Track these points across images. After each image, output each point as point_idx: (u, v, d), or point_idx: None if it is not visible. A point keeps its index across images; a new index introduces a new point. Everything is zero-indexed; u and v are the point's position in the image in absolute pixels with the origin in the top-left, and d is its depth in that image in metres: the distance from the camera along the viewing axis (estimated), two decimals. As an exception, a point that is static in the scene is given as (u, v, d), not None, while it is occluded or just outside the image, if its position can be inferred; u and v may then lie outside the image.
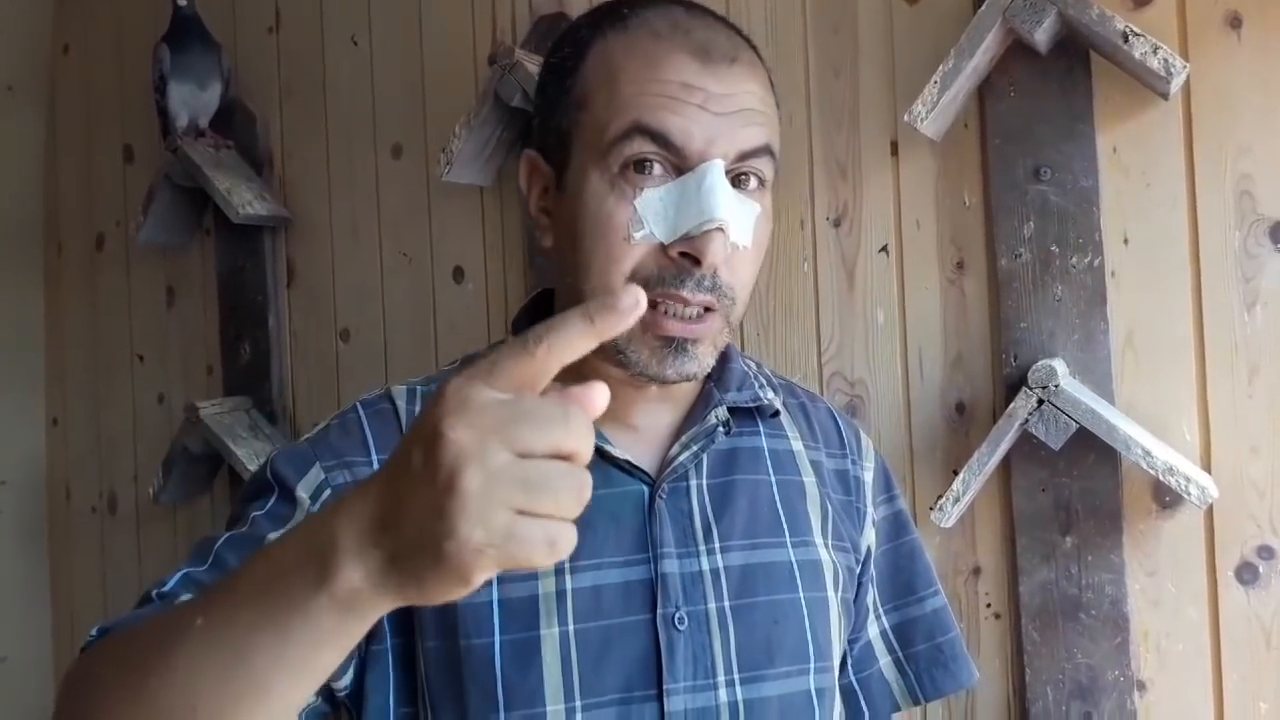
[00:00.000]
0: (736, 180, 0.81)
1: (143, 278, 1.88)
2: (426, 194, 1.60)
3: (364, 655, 0.80)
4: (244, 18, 1.76)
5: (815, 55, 1.36)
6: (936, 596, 1.01)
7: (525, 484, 0.48)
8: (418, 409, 0.87)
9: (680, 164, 0.79)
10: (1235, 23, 1.16)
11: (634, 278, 0.79)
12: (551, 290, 0.93)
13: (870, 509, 0.99)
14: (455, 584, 0.50)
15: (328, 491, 0.81)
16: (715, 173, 0.78)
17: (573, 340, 0.51)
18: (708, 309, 0.81)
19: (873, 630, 0.99)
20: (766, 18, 1.39)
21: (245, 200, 1.63)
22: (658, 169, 0.79)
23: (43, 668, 1.98)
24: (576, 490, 0.50)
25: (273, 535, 0.77)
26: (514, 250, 1.53)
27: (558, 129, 0.85)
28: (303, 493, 0.81)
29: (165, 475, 1.72)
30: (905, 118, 1.19)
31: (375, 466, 0.83)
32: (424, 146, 1.60)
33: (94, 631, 0.72)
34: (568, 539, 0.50)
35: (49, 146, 2.01)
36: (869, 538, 0.98)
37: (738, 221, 0.80)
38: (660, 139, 0.79)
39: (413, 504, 0.50)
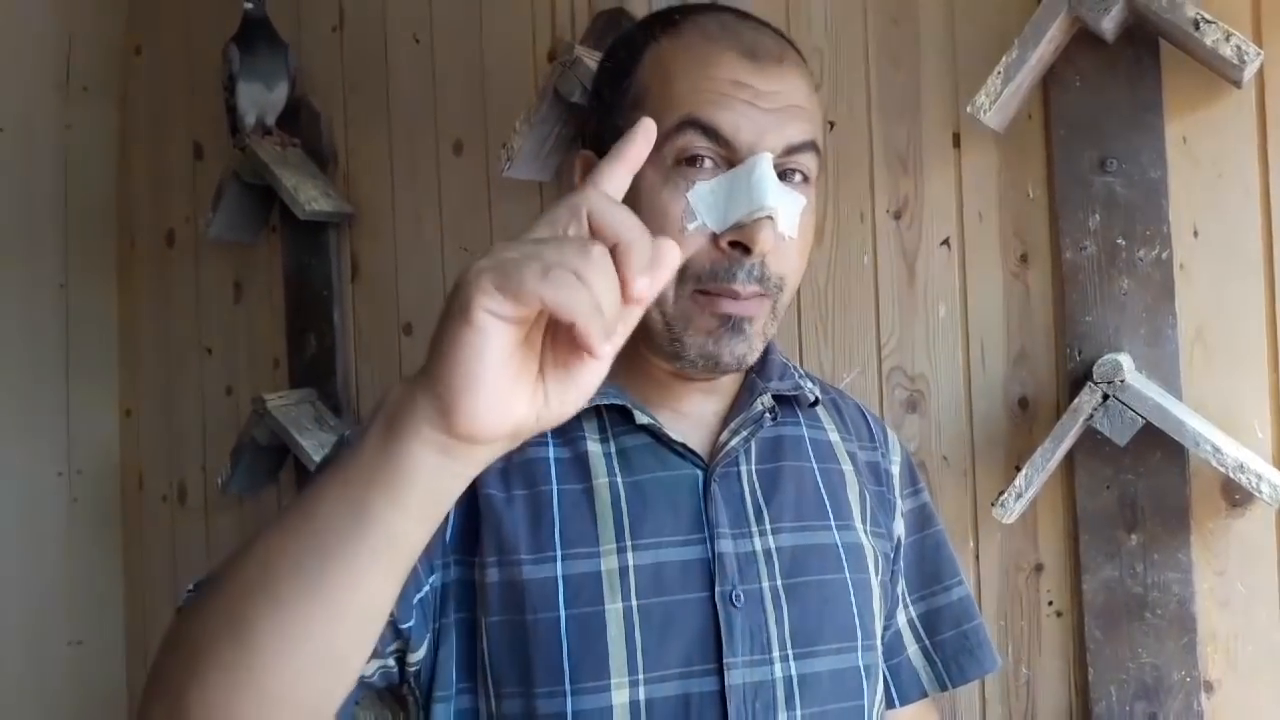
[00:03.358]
0: (783, 175, 0.84)
1: (211, 272, 1.93)
2: (487, 190, 1.62)
3: (438, 628, 0.82)
4: (309, 17, 1.79)
5: (875, 47, 1.35)
6: (961, 585, 1.02)
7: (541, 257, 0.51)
8: None
9: (730, 157, 0.82)
10: (1311, 8, 1.13)
11: (687, 269, 0.82)
12: None
13: (899, 500, 1.00)
14: (459, 316, 0.51)
15: None
16: (764, 164, 0.81)
17: (612, 173, 0.56)
18: (757, 295, 0.83)
19: (901, 619, 1.00)
20: (826, 10, 1.38)
21: (311, 197, 1.66)
22: (709, 163, 0.82)
23: (116, 653, 2.03)
24: (590, 255, 0.51)
25: None
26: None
27: (614, 128, 0.87)
28: None
29: (233, 466, 1.76)
30: (967, 109, 1.18)
31: None
32: (484, 143, 1.61)
33: (189, 587, 0.75)
34: (587, 299, 0.50)
35: (122, 144, 2.06)
36: (899, 528, 0.99)
37: (785, 212, 0.82)
38: (711, 133, 0.81)
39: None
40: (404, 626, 0.78)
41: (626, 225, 0.53)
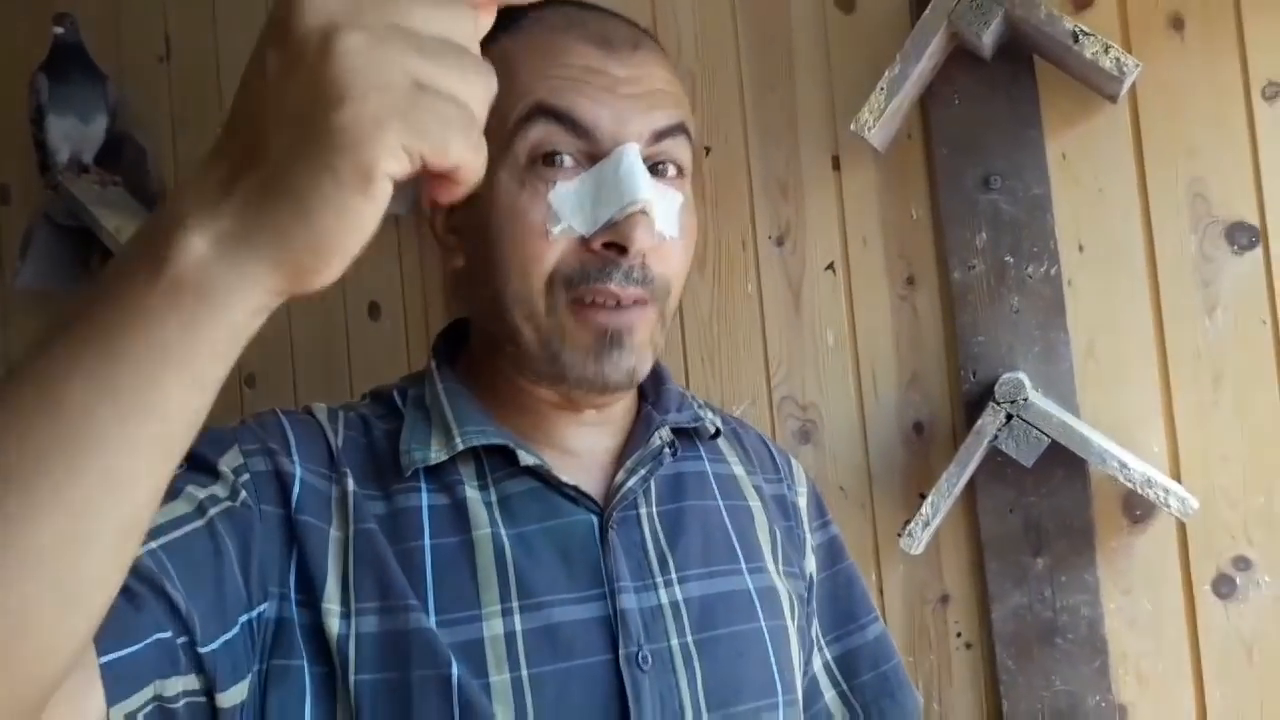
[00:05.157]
0: (654, 170, 0.76)
1: (24, 330, 1.72)
2: (337, 227, 1.49)
3: (264, 668, 0.68)
4: (131, 46, 1.64)
5: (749, 70, 1.31)
6: (876, 623, 0.96)
7: (420, 48, 0.39)
8: (341, 429, 0.78)
9: (592, 151, 0.74)
10: (1178, 24, 1.14)
11: (556, 276, 0.73)
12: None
13: (808, 535, 0.93)
14: (353, 182, 0.39)
15: (246, 475, 0.70)
16: (631, 154, 0.73)
17: None
18: (639, 302, 0.75)
19: (817, 663, 0.93)
20: (696, 32, 1.33)
21: (136, 240, 1.50)
22: (568, 160, 0.74)
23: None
24: (479, 72, 0.41)
25: (193, 489, 0.67)
26: (435, 283, 1.43)
27: None
28: (224, 467, 0.70)
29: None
30: (851, 127, 1.14)
31: (296, 463, 0.73)
32: (334, 176, 1.49)
33: None
34: (478, 135, 0.41)
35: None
36: (810, 565, 0.92)
37: (662, 209, 0.75)
38: (566, 120, 0.73)
39: (277, 105, 0.39)
40: (205, 650, 0.62)
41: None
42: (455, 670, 0.68)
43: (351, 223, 0.40)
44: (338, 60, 0.38)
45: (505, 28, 0.77)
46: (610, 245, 0.73)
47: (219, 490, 0.68)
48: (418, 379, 0.85)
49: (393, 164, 0.39)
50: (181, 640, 0.61)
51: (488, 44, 0.77)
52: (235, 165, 0.41)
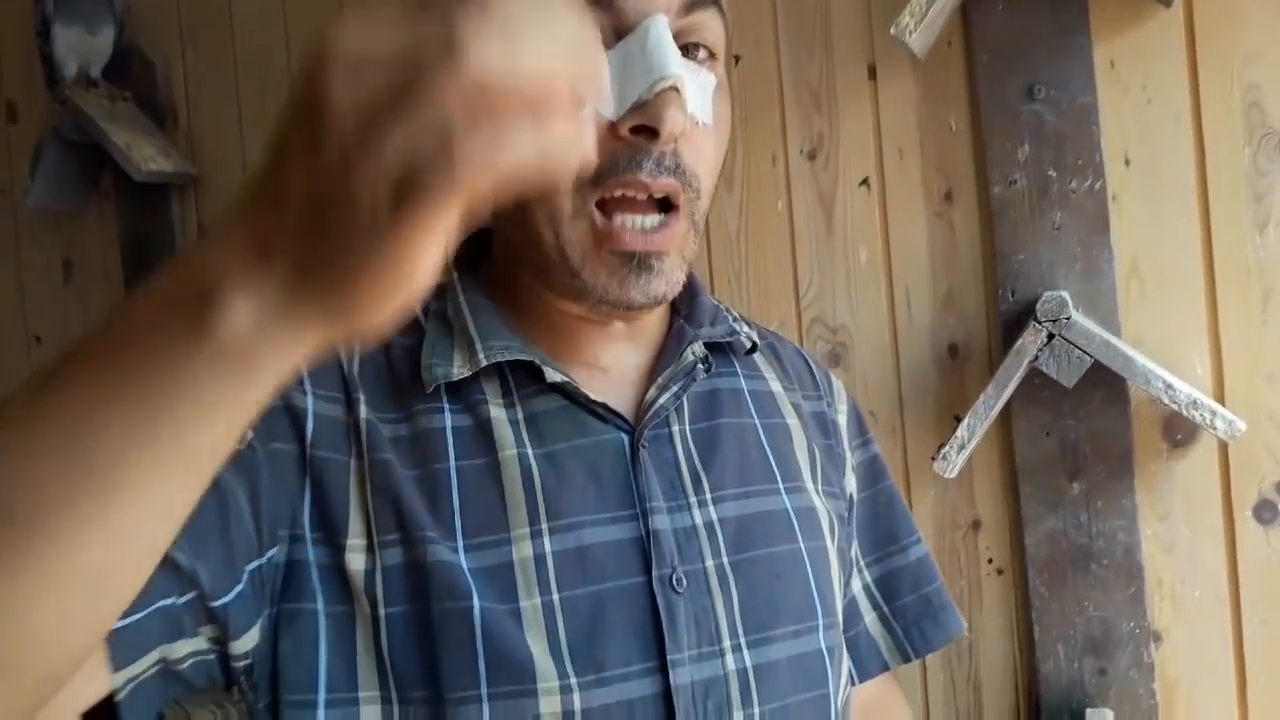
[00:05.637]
0: (685, 50, 0.69)
1: (35, 250, 1.69)
2: (353, 142, 1.45)
3: (275, 612, 0.65)
4: (137, -47, 1.58)
5: (782, -27, 1.25)
6: (919, 544, 0.92)
7: (463, 104, 0.36)
8: (356, 351, 0.74)
9: (617, 24, 0.67)
10: (1239, -79, 1.07)
11: (585, 172, 0.66)
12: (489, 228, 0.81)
13: (848, 454, 0.90)
14: (402, 253, 0.37)
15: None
16: (659, 27, 0.66)
17: None
18: (668, 206, 0.70)
19: (856, 585, 0.90)
20: (726, -66, 1.27)
21: (147, 156, 1.46)
22: None
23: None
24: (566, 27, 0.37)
25: None
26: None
27: None
28: None
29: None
30: (891, 31, 1.08)
31: (309, 393, 0.69)
32: (348, 90, 1.45)
33: None
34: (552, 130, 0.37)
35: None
36: (850, 484, 0.89)
37: (694, 90, 0.68)
38: None
39: (312, 179, 0.37)
40: (218, 604, 0.61)
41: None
42: (477, 603, 0.66)
43: (403, 281, 0.38)
44: (376, 156, 0.36)
45: None
46: (639, 130, 0.67)
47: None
48: (439, 291, 0.81)
49: (446, 216, 0.37)
50: (190, 598, 0.59)
51: None
52: (272, 231, 0.39)
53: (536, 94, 0.36)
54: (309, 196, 0.37)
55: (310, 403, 0.69)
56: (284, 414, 0.68)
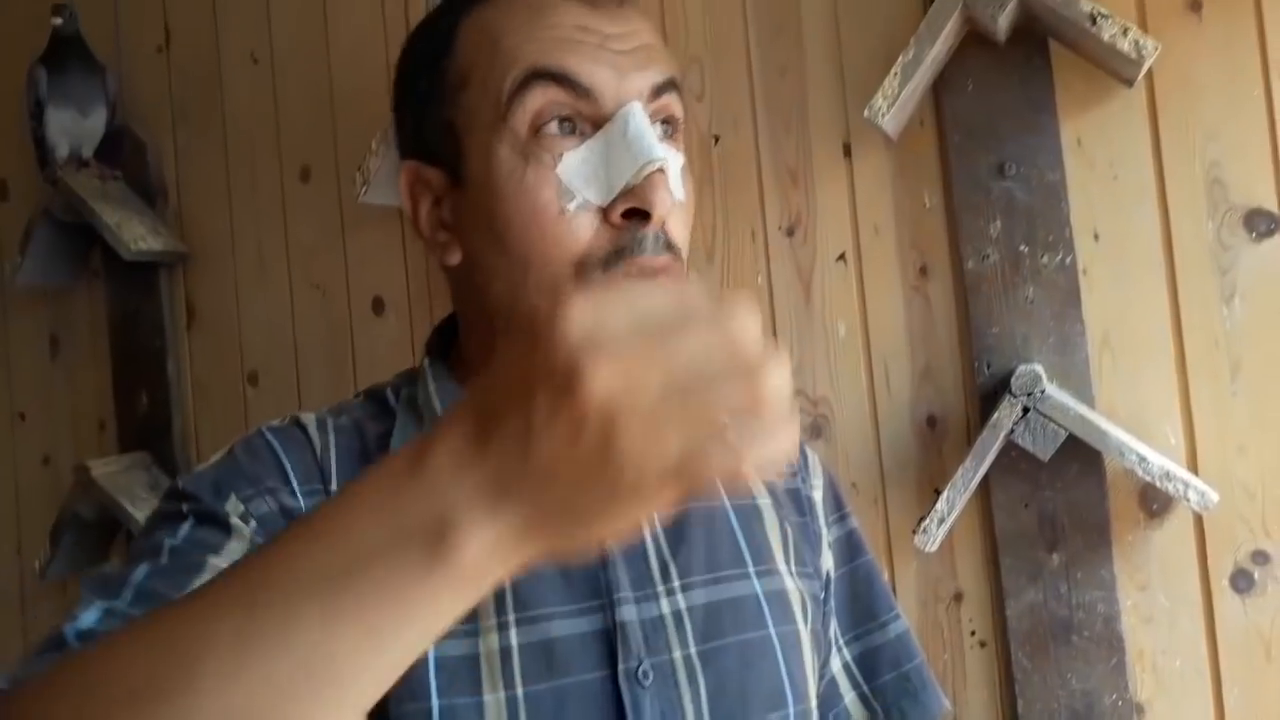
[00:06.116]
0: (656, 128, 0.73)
1: (22, 327, 1.71)
2: (340, 219, 1.47)
3: None
4: (130, 36, 1.62)
5: (758, 55, 1.29)
6: (898, 621, 0.92)
7: (695, 400, 0.39)
8: (331, 439, 0.76)
9: (595, 114, 0.70)
10: (1195, 4, 1.11)
11: (589, 260, 0.69)
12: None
13: (824, 530, 0.90)
14: (632, 516, 0.41)
15: (253, 523, 0.68)
16: (639, 113, 0.69)
17: None
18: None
19: (835, 664, 0.89)
20: (705, 19, 1.31)
21: (137, 234, 1.49)
22: (571, 126, 0.70)
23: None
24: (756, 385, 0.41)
25: (215, 560, 0.64)
26: (440, 277, 1.41)
27: (437, 122, 0.75)
28: (233, 517, 0.68)
29: (54, 546, 1.55)
30: (865, 114, 1.12)
31: (299, 493, 0.71)
32: (335, 167, 1.47)
33: None
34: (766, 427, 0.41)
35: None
36: (827, 562, 0.89)
37: (672, 170, 0.71)
38: (566, 82, 0.69)
39: (550, 445, 0.40)
40: None
41: None
42: (436, 702, 0.66)
43: (620, 527, 0.42)
44: (617, 453, 0.39)
45: None
46: (631, 214, 0.69)
47: (235, 548, 0.66)
48: (412, 377, 0.82)
49: (674, 497, 0.41)
50: None
51: (464, 17, 0.74)
52: (514, 479, 0.41)
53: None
54: (561, 462, 0.40)
55: (303, 503, 0.70)
56: (281, 518, 0.69)
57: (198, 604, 0.44)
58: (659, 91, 0.72)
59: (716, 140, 1.29)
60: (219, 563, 0.64)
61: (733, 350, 0.40)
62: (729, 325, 0.40)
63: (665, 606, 0.74)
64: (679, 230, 0.72)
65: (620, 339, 0.39)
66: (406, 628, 0.42)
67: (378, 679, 0.43)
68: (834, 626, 0.90)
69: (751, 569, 0.80)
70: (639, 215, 0.69)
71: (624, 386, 0.38)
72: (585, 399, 0.38)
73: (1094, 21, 1.04)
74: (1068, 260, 1.15)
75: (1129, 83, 1.12)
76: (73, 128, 1.50)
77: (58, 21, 1.48)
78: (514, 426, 0.40)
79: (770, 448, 0.40)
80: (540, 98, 0.69)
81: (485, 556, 0.41)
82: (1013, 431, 1.08)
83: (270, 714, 0.41)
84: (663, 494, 0.40)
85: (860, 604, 0.91)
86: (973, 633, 1.20)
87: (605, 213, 0.69)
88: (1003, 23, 1.09)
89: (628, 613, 0.72)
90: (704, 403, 0.39)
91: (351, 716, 0.43)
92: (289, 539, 0.44)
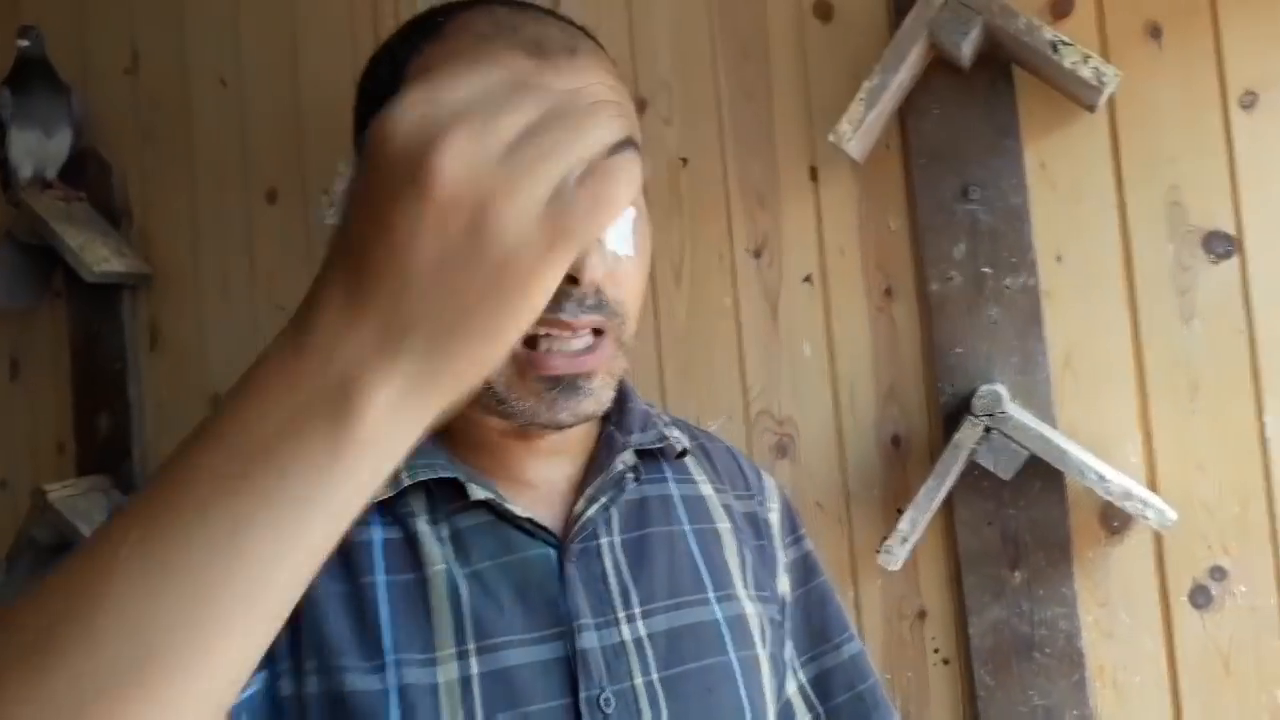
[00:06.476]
0: None
1: (-18, 348, 1.69)
2: (306, 241, 1.47)
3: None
4: (97, 58, 1.61)
5: (726, 80, 1.30)
6: (852, 641, 0.92)
7: (551, 162, 0.39)
8: None
9: None
10: (1155, 32, 1.14)
11: None
12: None
13: (780, 553, 0.90)
14: (527, 314, 0.40)
15: None
16: None
17: None
18: (596, 331, 0.71)
19: (791, 687, 0.89)
20: (673, 43, 1.32)
21: (100, 257, 1.47)
22: None
23: None
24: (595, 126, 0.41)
25: None
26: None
27: None
28: None
29: (8, 572, 1.52)
30: (830, 138, 1.13)
31: None
32: (302, 189, 1.47)
33: None
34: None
35: None
36: (783, 584, 0.89)
37: (613, 230, 0.70)
38: None
39: (425, 257, 0.39)
40: None
41: None
42: None
43: (510, 330, 0.40)
44: (492, 236, 0.38)
45: (428, 34, 0.73)
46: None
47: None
48: None
49: (558, 270, 0.40)
50: None
51: (412, 54, 0.73)
52: (400, 309, 0.39)
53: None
54: (438, 267, 0.38)
55: None
56: None
57: (100, 535, 0.41)
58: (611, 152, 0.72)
59: (685, 163, 1.31)
60: None
61: (563, 103, 0.40)
62: (553, 86, 0.41)
63: (627, 633, 0.73)
64: (617, 287, 0.71)
65: (452, 118, 0.38)
66: (318, 512, 0.40)
67: (295, 576, 0.40)
68: (789, 649, 0.90)
69: (712, 594, 0.79)
70: (567, 278, 0.68)
71: (470, 160, 0.38)
72: (440, 183, 0.38)
73: (1056, 49, 1.07)
74: (1030, 282, 1.17)
75: (1091, 108, 1.14)
76: (37, 149, 1.49)
77: (24, 43, 1.47)
78: (382, 254, 0.39)
79: (615, 184, 0.40)
80: None
81: (391, 414, 0.39)
82: (975, 452, 1.09)
83: (185, 628, 0.39)
84: (545, 264, 0.39)
85: (814, 626, 0.91)
86: (936, 650, 1.20)
87: None
88: (967, 49, 1.11)
89: (588, 639, 0.71)
90: (548, 156, 0.39)
91: (272, 624, 0.41)
92: (186, 450, 0.41)
